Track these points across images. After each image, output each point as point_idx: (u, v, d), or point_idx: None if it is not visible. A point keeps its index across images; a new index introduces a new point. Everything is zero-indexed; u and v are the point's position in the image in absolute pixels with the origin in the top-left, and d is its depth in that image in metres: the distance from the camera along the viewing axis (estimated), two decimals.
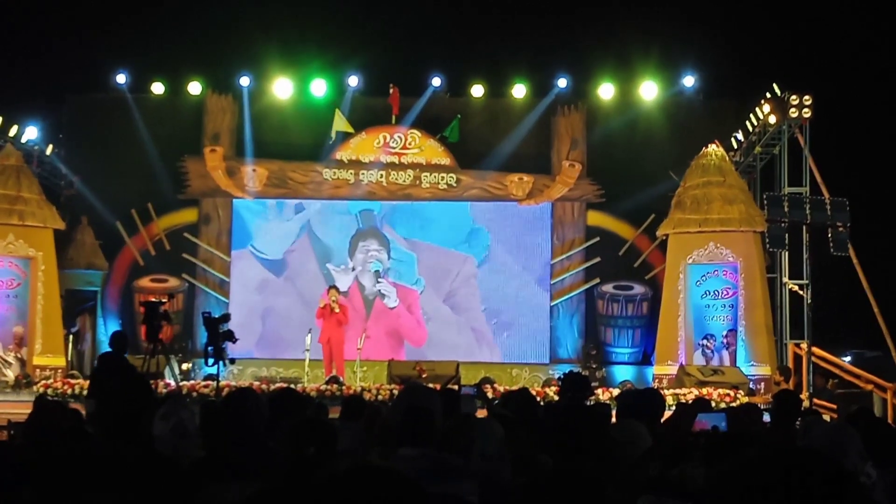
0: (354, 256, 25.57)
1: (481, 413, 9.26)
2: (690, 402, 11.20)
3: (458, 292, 25.52)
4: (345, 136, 25.53)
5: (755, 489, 2.49)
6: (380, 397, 18.00)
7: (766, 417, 9.49)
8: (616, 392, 18.60)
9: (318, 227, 25.79)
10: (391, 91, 25.39)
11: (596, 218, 25.61)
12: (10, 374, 21.35)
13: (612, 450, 5.62)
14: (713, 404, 17.11)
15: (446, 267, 25.55)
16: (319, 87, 25.67)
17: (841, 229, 20.20)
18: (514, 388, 18.22)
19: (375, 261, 25.40)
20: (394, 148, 25.59)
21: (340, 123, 25.18)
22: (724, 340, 21.68)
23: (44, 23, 27.56)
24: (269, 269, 25.69)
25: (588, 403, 8.88)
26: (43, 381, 19.74)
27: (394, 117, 25.54)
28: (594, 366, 23.94)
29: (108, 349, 15.16)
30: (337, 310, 21.41)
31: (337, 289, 22.29)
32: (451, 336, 25.19)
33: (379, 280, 25.28)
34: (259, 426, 5.44)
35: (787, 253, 22.37)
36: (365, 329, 23.76)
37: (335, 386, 19.24)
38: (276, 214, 25.86)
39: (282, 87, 25.73)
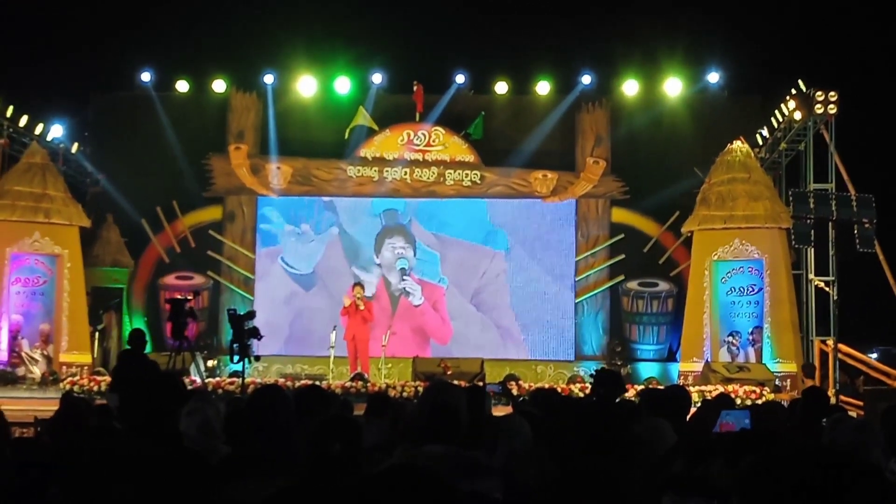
0: (381, 254, 25.59)
1: (505, 410, 9.27)
2: (714, 398, 11.18)
3: (485, 289, 25.51)
4: (369, 133, 25.56)
5: (783, 487, 2.48)
6: (405, 394, 18.02)
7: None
8: (641, 389, 18.58)
9: (348, 225, 25.81)
10: (415, 88, 25.43)
11: (620, 215, 25.56)
12: (37, 371, 21.49)
13: (637, 448, 5.62)
14: (739, 401, 17.11)
15: (474, 264, 25.55)
16: (343, 85, 25.71)
17: (867, 225, 20.10)
18: (540, 385, 18.27)
19: (402, 258, 25.41)
20: (418, 145, 25.59)
21: (361, 119, 25.22)
22: (750, 337, 21.63)
23: (69, 22, 27.66)
24: (298, 282, 25.72)
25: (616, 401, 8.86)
26: (69, 378, 19.85)
27: (418, 114, 25.57)
28: (619, 363, 23.89)
29: (128, 347, 15.27)
30: (362, 307, 21.41)
31: (362, 286, 22.27)
32: (476, 333, 25.19)
33: (404, 278, 25.29)
34: (286, 423, 5.45)
35: (812, 249, 22.27)
36: (390, 326, 23.81)
37: (360, 383, 19.29)
38: (307, 236, 25.85)
39: (306, 85, 25.78)
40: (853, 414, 12.92)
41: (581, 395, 17.11)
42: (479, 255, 25.59)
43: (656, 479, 5.02)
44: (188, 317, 16.11)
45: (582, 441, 5.39)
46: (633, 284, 25.38)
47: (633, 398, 16.99)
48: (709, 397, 15.38)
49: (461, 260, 25.58)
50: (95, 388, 18.63)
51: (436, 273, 25.55)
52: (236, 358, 15.69)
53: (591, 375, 9.35)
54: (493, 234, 25.69)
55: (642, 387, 19.19)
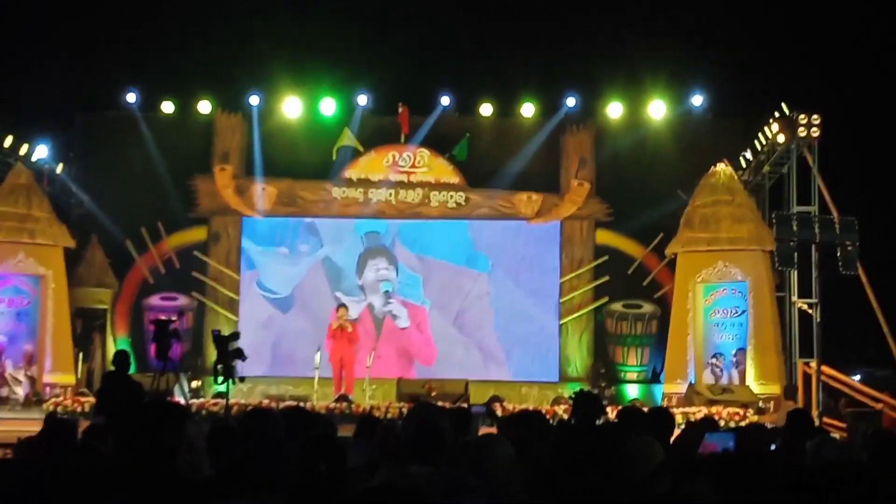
0: (364, 275, 25.59)
1: (489, 431, 9.27)
2: (698, 421, 11.19)
3: (469, 311, 25.50)
4: (354, 155, 25.58)
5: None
6: (389, 415, 18.00)
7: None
8: (622, 407, 18.56)
9: (330, 248, 25.81)
10: (400, 110, 25.45)
11: (605, 236, 25.61)
12: (20, 392, 21.42)
13: (625, 466, 5.64)
14: (722, 423, 17.16)
15: (457, 285, 25.56)
16: (329, 106, 25.72)
17: (850, 248, 20.18)
18: (524, 406, 18.27)
19: (385, 280, 25.40)
20: (403, 167, 25.62)
21: (346, 139, 25.27)
22: (734, 359, 21.66)
23: (54, 42, 27.64)
24: (276, 306, 25.70)
25: (598, 422, 8.88)
26: (53, 399, 19.79)
27: (403, 136, 25.58)
28: (603, 384, 23.91)
29: (112, 368, 15.26)
30: (350, 329, 21.41)
31: (346, 308, 22.24)
32: (461, 354, 25.18)
33: (389, 301, 25.26)
34: (275, 445, 5.47)
35: (796, 272, 22.36)
36: (374, 348, 23.75)
37: (344, 404, 19.27)
38: (288, 259, 25.84)
39: (291, 106, 25.79)
40: (836, 435, 12.96)
41: (565, 416, 17.09)
42: (462, 276, 25.61)
43: (643, 499, 5.04)
44: (172, 338, 16.05)
45: (565, 462, 5.41)
46: (617, 306, 25.41)
47: (615, 420, 17.03)
48: (692, 419, 15.43)
49: (444, 282, 25.59)
50: (79, 409, 18.58)
51: (419, 295, 25.55)
52: (220, 379, 15.66)
53: (570, 398, 9.36)
54: (476, 256, 25.71)
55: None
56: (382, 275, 25.50)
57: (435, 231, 25.71)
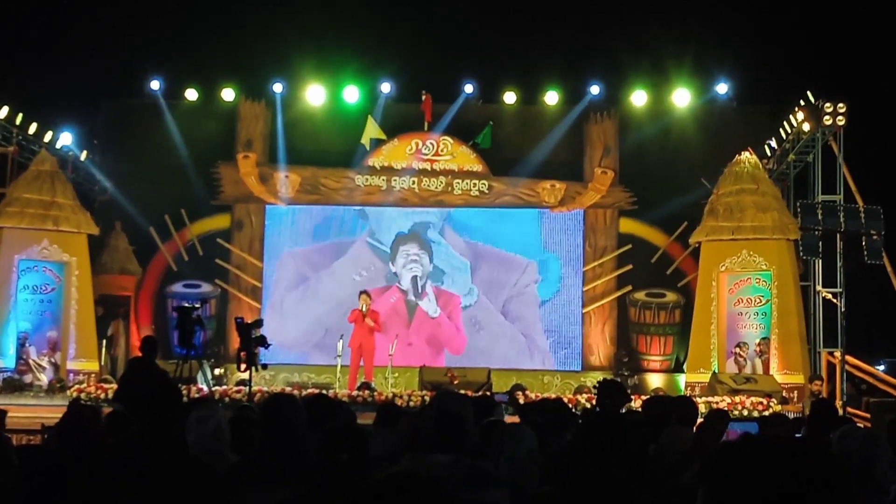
0: (396, 261, 25.55)
1: (512, 419, 9.26)
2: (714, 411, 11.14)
3: (512, 300, 25.45)
4: (377, 143, 25.57)
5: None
6: (411, 403, 17.97)
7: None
8: (646, 397, 18.49)
9: (376, 234, 25.87)
10: (423, 98, 25.42)
11: (628, 225, 25.55)
12: (44, 379, 21.49)
13: (652, 457, 5.62)
14: (746, 413, 17.14)
15: (503, 274, 25.53)
16: (352, 94, 25.73)
17: (875, 237, 20.10)
18: (546, 395, 18.24)
19: (415, 265, 25.34)
20: (426, 154, 25.61)
21: (373, 131, 25.25)
22: (757, 348, 21.58)
23: (78, 29, 27.70)
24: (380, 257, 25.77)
25: (622, 411, 8.86)
26: (76, 386, 19.83)
27: (426, 124, 25.56)
28: (626, 373, 23.83)
29: (139, 354, 15.27)
30: (370, 322, 21.18)
31: (368, 295, 22.09)
32: (484, 342, 25.14)
33: (419, 289, 25.23)
34: (298, 432, 5.46)
35: (820, 261, 22.26)
36: (397, 335, 23.70)
37: (367, 392, 19.25)
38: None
39: (314, 94, 25.80)
40: (861, 425, 12.89)
41: (588, 405, 17.06)
42: (510, 264, 25.55)
43: (665, 490, 5.02)
44: (195, 325, 16.09)
45: (588, 452, 5.39)
46: (640, 295, 25.34)
47: (639, 409, 16.97)
48: (715, 408, 15.37)
49: (490, 269, 25.57)
50: (102, 396, 18.61)
51: (465, 282, 25.52)
52: (243, 366, 15.69)
53: (595, 386, 9.34)
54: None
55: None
56: (413, 260, 25.44)
57: (481, 216, 25.72)
